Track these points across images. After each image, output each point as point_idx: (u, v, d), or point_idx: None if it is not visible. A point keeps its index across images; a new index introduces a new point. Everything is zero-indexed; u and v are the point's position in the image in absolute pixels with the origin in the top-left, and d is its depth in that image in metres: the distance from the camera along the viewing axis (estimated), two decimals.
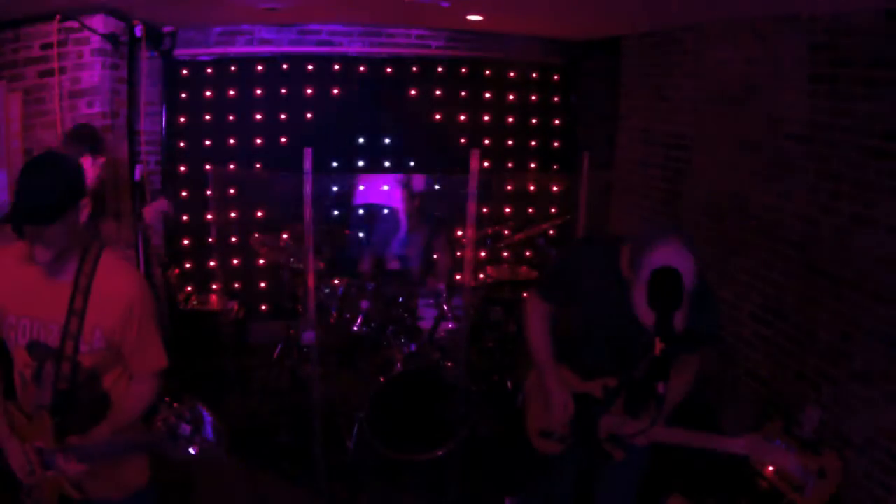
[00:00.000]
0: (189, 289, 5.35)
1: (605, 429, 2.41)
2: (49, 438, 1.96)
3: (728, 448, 2.23)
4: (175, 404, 1.85)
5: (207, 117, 5.32)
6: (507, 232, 5.07)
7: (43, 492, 2.03)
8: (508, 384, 4.66)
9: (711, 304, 2.35)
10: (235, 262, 5.56)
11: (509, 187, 6.03)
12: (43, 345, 1.98)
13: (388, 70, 5.55)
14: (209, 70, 5.25)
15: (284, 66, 5.36)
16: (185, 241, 5.45)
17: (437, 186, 5.71)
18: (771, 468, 2.34)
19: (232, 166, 5.33)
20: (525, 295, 5.24)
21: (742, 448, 2.20)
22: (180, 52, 5.08)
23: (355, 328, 4.28)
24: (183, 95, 5.22)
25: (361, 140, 5.62)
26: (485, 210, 5.87)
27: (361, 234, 5.45)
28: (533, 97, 5.97)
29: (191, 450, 1.84)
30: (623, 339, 2.33)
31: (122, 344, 2.05)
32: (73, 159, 1.98)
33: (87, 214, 1.95)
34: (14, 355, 2.05)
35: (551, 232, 5.86)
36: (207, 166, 5.26)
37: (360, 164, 5.66)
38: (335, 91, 5.49)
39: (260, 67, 5.33)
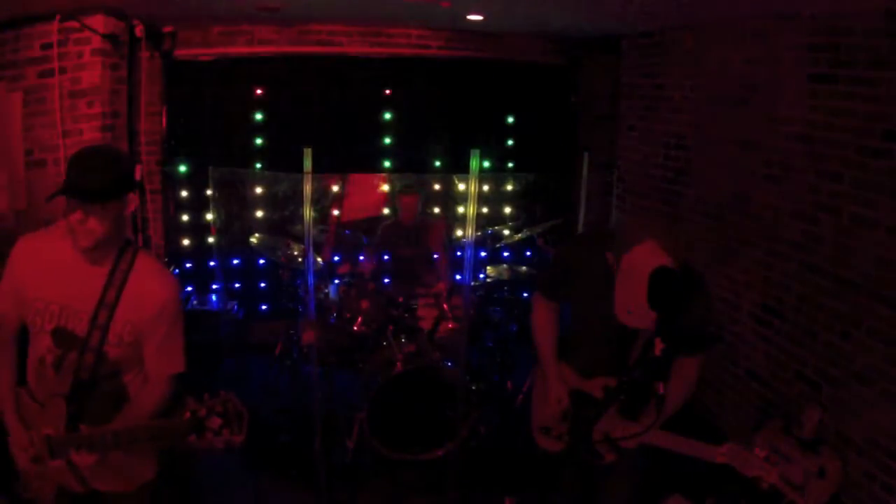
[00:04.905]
0: (189, 289, 5.34)
1: (600, 429, 2.42)
2: (61, 426, 1.97)
3: (708, 456, 2.23)
4: (207, 397, 1.86)
5: (207, 117, 5.31)
6: (507, 232, 5.08)
7: (44, 481, 2.03)
8: (508, 384, 4.66)
9: (702, 303, 2.34)
10: (235, 262, 5.56)
11: (509, 187, 6.03)
12: (69, 332, 2.00)
13: (388, 70, 5.55)
14: (209, 70, 5.24)
15: (284, 66, 5.36)
16: (185, 241, 5.45)
17: (437, 186, 5.73)
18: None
19: (232, 166, 5.33)
20: (526, 295, 5.26)
21: (721, 457, 2.20)
22: (180, 52, 5.07)
23: (355, 328, 4.28)
24: (183, 95, 5.22)
25: (361, 140, 5.62)
26: (485, 210, 5.87)
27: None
28: (533, 97, 5.97)
29: (216, 443, 1.85)
30: (617, 334, 2.34)
31: (146, 343, 2.06)
32: (126, 154, 2.06)
33: (132, 210, 2.00)
34: (37, 340, 2.05)
35: (551, 232, 5.86)
36: (207, 166, 5.26)
37: (360, 164, 5.65)
38: (335, 91, 5.48)
39: (260, 67, 5.32)
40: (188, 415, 1.82)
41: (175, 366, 2.12)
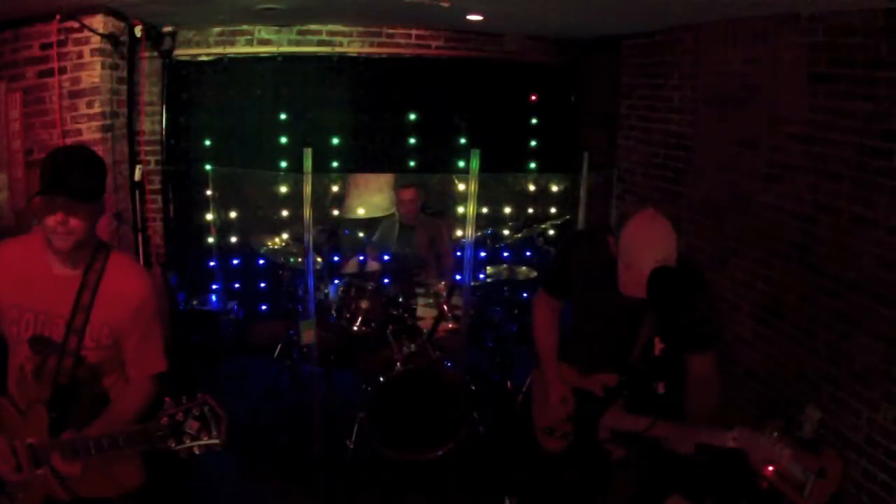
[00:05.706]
0: (189, 289, 5.34)
1: (605, 426, 2.42)
2: (44, 434, 1.94)
3: (720, 441, 2.23)
4: (185, 400, 1.85)
5: (207, 117, 5.31)
6: (507, 232, 5.08)
7: (30, 491, 2.00)
8: (508, 384, 4.66)
9: (701, 302, 2.34)
10: (235, 262, 5.56)
11: (509, 187, 6.03)
12: (47, 339, 1.98)
13: (388, 70, 5.55)
14: (209, 70, 5.24)
15: (284, 66, 5.36)
16: (185, 242, 5.44)
17: (437, 187, 5.72)
18: (771, 468, 2.34)
19: (232, 166, 5.33)
20: (525, 295, 5.26)
21: (734, 441, 2.20)
22: (180, 52, 5.08)
23: (355, 328, 4.28)
24: (183, 95, 5.22)
25: (361, 140, 5.62)
26: (484, 210, 5.87)
27: (361, 235, 5.46)
28: (533, 97, 5.97)
29: (194, 448, 1.83)
30: (619, 327, 2.34)
31: (126, 343, 2.05)
32: (99, 154, 2.04)
33: (105, 211, 2.01)
34: (15, 349, 2.03)
35: (551, 232, 5.86)
36: (207, 166, 5.26)
37: (360, 163, 5.65)
38: (335, 91, 5.48)
39: (260, 67, 5.32)
40: (165, 419, 1.81)
41: (156, 366, 2.11)
